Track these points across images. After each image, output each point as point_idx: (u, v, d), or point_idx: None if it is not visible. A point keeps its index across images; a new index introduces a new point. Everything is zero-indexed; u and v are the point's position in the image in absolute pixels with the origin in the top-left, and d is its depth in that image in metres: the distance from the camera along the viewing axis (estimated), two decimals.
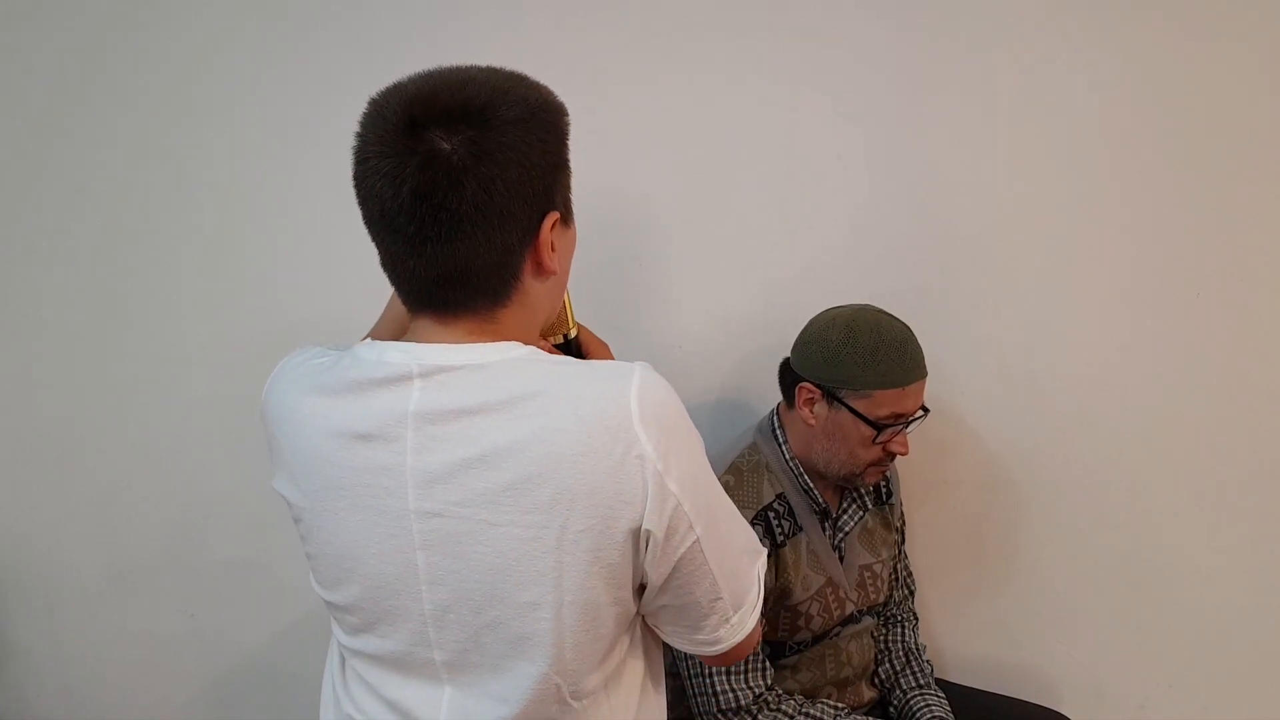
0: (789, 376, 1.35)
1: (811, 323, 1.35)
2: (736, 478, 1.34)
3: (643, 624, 0.89)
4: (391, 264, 0.78)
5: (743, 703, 1.28)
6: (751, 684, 1.29)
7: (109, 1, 1.49)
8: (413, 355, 0.77)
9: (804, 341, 1.34)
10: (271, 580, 1.67)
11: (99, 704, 1.73)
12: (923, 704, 1.43)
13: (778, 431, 1.38)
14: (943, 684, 1.52)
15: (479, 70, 0.77)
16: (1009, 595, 1.67)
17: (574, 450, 0.72)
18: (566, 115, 0.80)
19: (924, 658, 1.51)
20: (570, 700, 0.81)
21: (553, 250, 0.79)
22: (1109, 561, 1.64)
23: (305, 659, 1.69)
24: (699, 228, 1.55)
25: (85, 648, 1.71)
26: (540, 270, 0.80)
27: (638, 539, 0.76)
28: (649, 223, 1.56)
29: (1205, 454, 1.59)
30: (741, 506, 1.31)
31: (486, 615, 0.78)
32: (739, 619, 0.85)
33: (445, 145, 0.71)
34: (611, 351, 1.03)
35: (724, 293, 1.58)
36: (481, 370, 0.75)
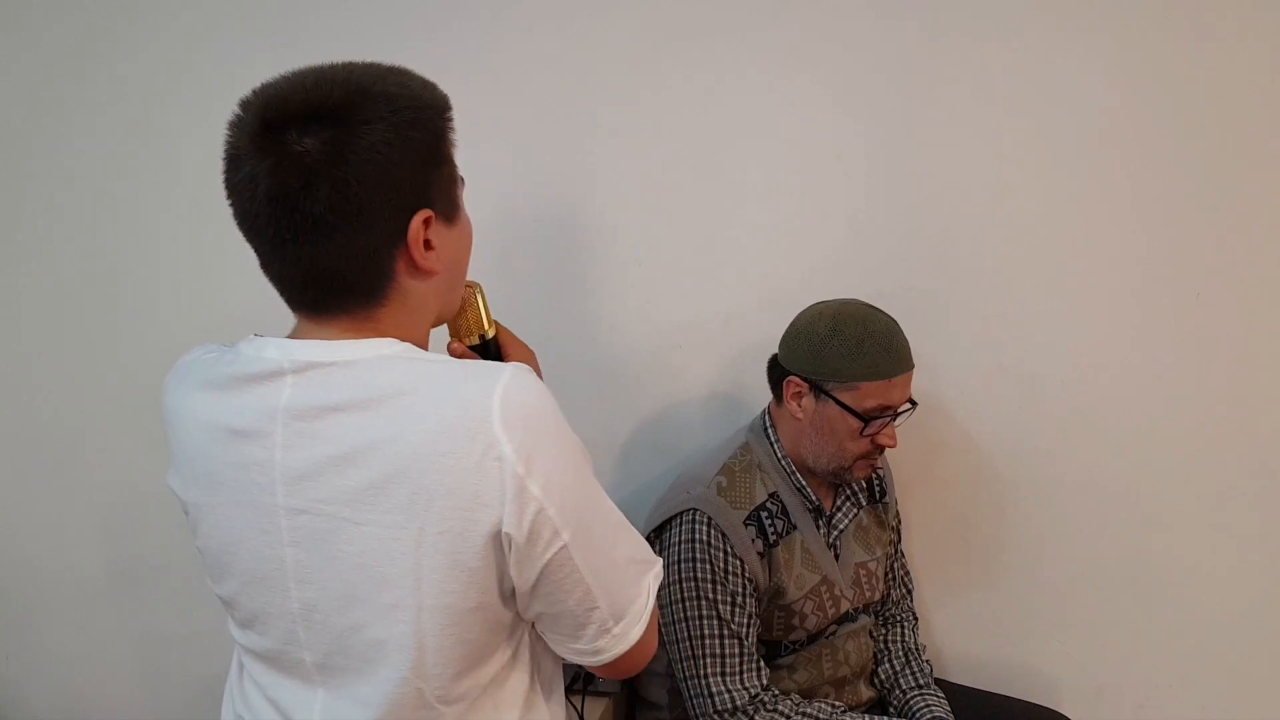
0: (777, 371, 1.35)
1: (798, 317, 1.35)
2: (729, 478, 1.34)
3: (533, 633, 0.87)
4: (263, 265, 0.78)
5: (738, 703, 1.28)
6: (747, 684, 1.29)
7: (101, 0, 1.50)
8: (286, 351, 0.77)
9: (790, 336, 1.34)
10: None
11: (99, 704, 1.74)
12: (922, 704, 1.43)
13: (769, 430, 1.38)
14: (942, 684, 1.52)
15: (343, 68, 0.76)
16: (1009, 595, 1.66)
17: (433, 450, 0.72)
18: (445, 110, 0.78)
19: (923, 657, 1.51)
20: (437, 704, 0.79)
21: (429, 249, 0.77)
22: (1109, 561, 1.63)
23: None
24: (698, 228, 1.55)
25: (85, 648, 1.72)
26: (416, 270, 0.78)
27: (499, 542, 0.74)
28: (648, 223, 1.56)
29: (1205, 453, 1.58)
30: (734, 507, 1.32)
31: (348, 617, 0.77)
32: (621, 630, 0.83)
33: (298, 148, 0.71)
34: (534, 353, 1.00)
35: (723, 292, 1.58)
36: (351, 367, 0.75)
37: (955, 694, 1.49)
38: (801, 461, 1.35)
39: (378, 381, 0.74)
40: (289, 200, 0.72)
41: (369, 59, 1.39)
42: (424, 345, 0.82)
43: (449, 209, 0.80)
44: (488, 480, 0.72)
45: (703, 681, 1.29)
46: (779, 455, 1.36)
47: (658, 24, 1.48)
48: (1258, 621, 1.63)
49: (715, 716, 1.28)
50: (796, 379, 1.31)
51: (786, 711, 1.29)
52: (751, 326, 1.58)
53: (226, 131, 0.76)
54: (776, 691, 1.32)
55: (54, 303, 1.59)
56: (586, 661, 0.85)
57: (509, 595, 0.80)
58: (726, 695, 1.28)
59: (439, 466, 0.72)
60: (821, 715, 1.31)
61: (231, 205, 0.77)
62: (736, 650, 1.29)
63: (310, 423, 0.75)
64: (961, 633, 1.69)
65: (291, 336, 0.80)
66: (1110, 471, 1.60)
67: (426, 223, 0.77)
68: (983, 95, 1.49)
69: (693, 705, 1.31)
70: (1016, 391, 1.58)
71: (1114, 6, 1.46)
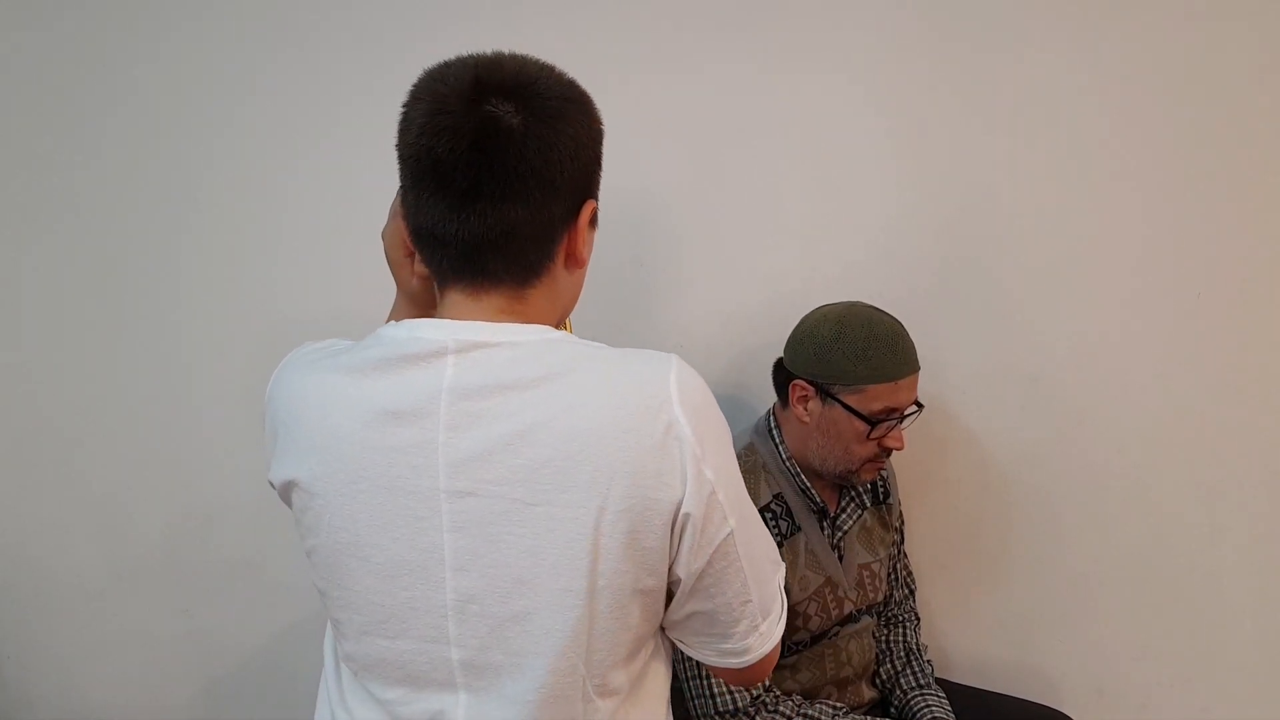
0: (782, 375, 1.35)
1: (803, 320, 1.35)
2: None
3: (663, 638, 0.86)
4: (430, 227, 0.76)
5: (740, 704, 1.28)
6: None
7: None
8: (449, 331, 0.75)
9: (796, 339, 1.34)
10: (270, 580, 1.66)
11: (99, 704, 1.73)
12: (923, 704, 1.43)
13: (774, 432, 1.38)
14: (944, 683, 1.52)
15: (534, 58, 0.79)
16: (1010, 594, 1.66)
17: (615, 428, 0.71)
18: (602, 121, 0.83)
19: (925, 657, 1.51)
20: (595, 697, 0.78)
21: (584, 241, 0.80)
22: (1110, 561, 1.63)
23: (305, 659, 1.69)
24: (699, 227, 1.55)
25: (85, 648, 1.71)
26: (571, 257, 0.80)
27: (674, 524, 0.74)
28: (648, 222, 1.55)
29: (1206, 453, 1.59)
30: None
31: (513, 605, 0.75)
32: (767, 628, 0.82)
33: (507, 108, 0.73)
34: None
35: (725, 293, 1.57)
36: (518, 348, 0.74)
37: (957, 693, 1.49)
38: (807, 464, 1.35)
39: (547, 360, 0.74)
40: (496, 153, 0.72)
41: (377, 57, 1.40)
42: None
43: (597, 209, 0.83)
44: (669, 460, 0.72)
45: (704, 682, 1.29)
46: (784, 457, 1.36)
47: (657, 22, 1.48)
48: (1259, 621, 1.63)
49: (717, 717, 1.28)
50: (802, 382, 1.31)
51: (788, 712, 1.29)
52: (752, 327, 1.58)
53: (417, 89, 0.77)
54: (778, 692, 1.32)
55: (55, 301, 1.59)
56: (732, 664, 0.83)
57: (667, 592, 0.80)
58: (728, 696, 1.28)
59: (620, 444, 0.71)
60: (823, 716, 1.30)
61: (413, 162, 0.75)
62: None
63: (479, 402, 0.73)
64: (964, 632, 1.69)
65: (441, 317, 0.78)
66: (1111, 471, 1.60)
67: (590, 214, 0.80)
68: (982, 98, 1.49)
69: (694, 705, 1.30)
70: (1018, 392, 1.58)
71: (1118, 9, 1.46)
